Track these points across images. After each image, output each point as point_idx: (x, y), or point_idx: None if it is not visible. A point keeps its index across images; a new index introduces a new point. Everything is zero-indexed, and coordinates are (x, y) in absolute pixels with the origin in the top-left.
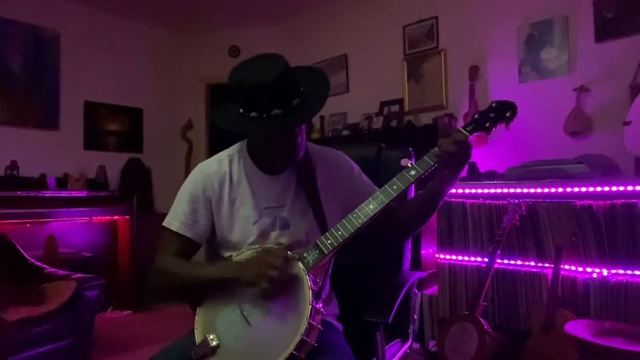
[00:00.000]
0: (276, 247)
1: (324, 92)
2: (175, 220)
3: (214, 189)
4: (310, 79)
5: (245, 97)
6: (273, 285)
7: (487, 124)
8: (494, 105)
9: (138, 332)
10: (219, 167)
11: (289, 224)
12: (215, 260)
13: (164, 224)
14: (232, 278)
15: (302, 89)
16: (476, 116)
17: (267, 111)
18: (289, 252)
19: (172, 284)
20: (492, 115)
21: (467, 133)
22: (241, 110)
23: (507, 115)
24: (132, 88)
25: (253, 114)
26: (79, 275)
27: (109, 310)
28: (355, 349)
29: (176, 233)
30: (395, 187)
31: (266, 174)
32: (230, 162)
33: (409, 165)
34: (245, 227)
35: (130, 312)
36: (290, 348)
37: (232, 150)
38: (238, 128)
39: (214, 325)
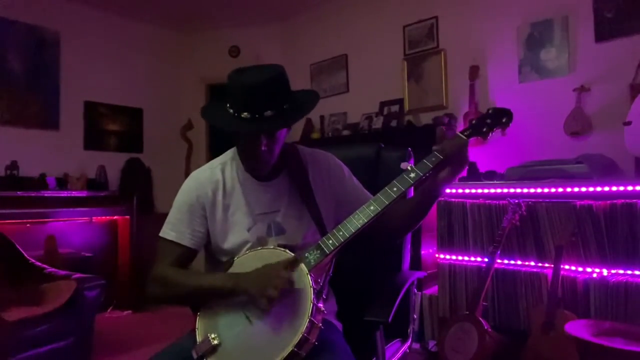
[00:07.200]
0: (280, 254)
1: (310, 102)
2: (171, 229)
3: (207, 196)
4: (303, 95)
5: (238, 97)
6: (272, 305)
7: (484, 129)
8: (490, 111)
9: (138, 332)
10: (212, 174)
11: (284, 229)
12: (215, 264)
13: (161, 234)
14: (234, 289)
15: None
16: (473, 122)
17: (259, 112)
18: (289, 252)
19: (172, 292)
20: (488, 121)
21: (465, 137)
22: (232, 110)
23: (504, 121)
24: (132, 88)
25: (245, 114)
26: (79, 275)
27: (109, 310)
28: (355, 349)
29: (173, 242)
30: (395, 188)
31: (258, 181)
32: (223, 170)
33: (409, 168)
34: (240, 233)
35: (130, 312)
36: (291, 345)
37: (225, 157)
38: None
39: (215, 324)
